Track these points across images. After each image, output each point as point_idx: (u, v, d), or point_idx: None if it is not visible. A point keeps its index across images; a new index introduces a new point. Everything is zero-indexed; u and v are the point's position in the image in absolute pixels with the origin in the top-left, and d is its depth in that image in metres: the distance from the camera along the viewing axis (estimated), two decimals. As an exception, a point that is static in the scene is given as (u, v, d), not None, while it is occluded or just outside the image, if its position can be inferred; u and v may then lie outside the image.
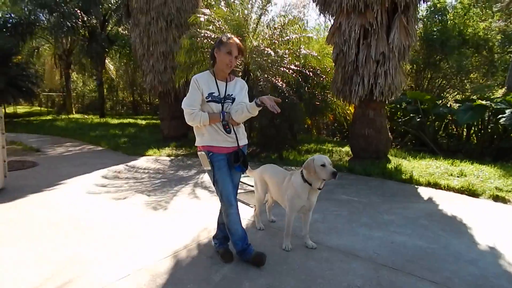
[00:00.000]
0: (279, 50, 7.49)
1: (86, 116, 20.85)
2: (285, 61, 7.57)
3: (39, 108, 26.91)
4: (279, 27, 8.07)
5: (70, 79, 22.50)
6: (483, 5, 16.43)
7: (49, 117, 19.69)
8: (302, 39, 7.99)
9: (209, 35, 7.49)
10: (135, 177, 6.04)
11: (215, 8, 8.10)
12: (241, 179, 3.10)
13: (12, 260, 2.91)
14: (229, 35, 2.75)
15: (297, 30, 8.17)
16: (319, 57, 8.38)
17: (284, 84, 7.33)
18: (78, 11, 17.20)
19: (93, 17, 18.60)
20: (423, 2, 6.74)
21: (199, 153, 2.79)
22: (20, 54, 18.60)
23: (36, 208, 4.30)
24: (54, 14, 17.14)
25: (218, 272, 2.72)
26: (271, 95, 2.73)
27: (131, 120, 18.11)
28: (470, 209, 4.40)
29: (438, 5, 14.52)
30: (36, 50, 21.59)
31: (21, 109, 24.95)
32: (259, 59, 7.35)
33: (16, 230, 3.57)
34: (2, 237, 3.38)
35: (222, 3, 8.50)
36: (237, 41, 2.70)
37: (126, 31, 19.92)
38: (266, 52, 7.37)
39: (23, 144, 9.35)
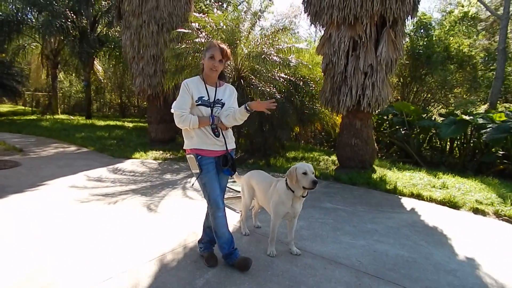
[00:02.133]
0: (271, 58, 7.56)
1: (72, 117, 20.52)
2: (276, 70, 7.65)
3: (23, 107, 26.35)
4: (271, 35, 8.17)
5: (57, 79, 22.13)
6: (468, 23, 16.97)
7: (33, 117, 19.30)
8: (293, 49, 8.10)
9: (198, 36, 7.53)
10: (121, 180, 5.97)
11: (206, 15, 8.12)
12: (228, 184, 3.11)
13: (-10, 261, 2.85)
14: (214, 40, 2.80)
15: (288, 39, 8.30)
16: (310, 66, 8.49)
17: (276, 91, 7.40)
18: (68, 11, 17.01)
19: (84, 17, 18.41)
20: (411, 18, 6.93)
21: (187, 156, 2.81)
22: (5, 52, 18.24)
23: (17, 209, 4.21)
24: (42, 13, 16.91)
25: (202, 277, 2.71)
26: (262, 101, 2.76)
27: (118, 123, 17.90)
28: (451, 220, 4.50)
29: (424, 20, 14.92)
30: (22, 49, 21.20)
31: (4, 108, 24.40)
32: (252, 64, 7.44)
33: (-4, 230, 3.50)
34: (-20, 237, 3.30)
35: (215, 10, 8.52)
36: (221, 45, 2.74)
37: (116, 33, 19.77)
38: (258, 57, 7.44)
39: (6, 143, 9.14)
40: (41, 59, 21.37)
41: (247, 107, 2.62)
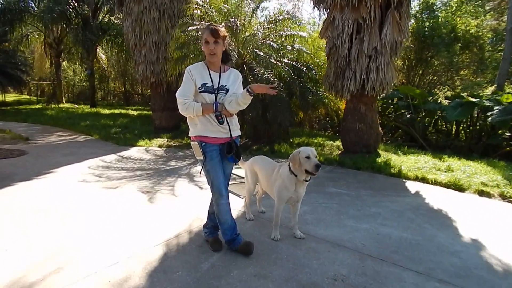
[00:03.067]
0: (273, 44, 7.47)
1: (76, 105, 20.59)
2: (280, 53, 7.56)
3: (28, 96, 26.48)
4: (273, 20, 8.06)
5: (61, 68, 22.13)
6: (476, 3, 16.56)
7: (38, 106, 19.41)
8: (296, 34, 7.98)
9: (201, 26, 7.45)
10: (126, 167, 6.02)
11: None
12: (232, 171, 3.12)
13: (0, 248, 2.90)
14: (211, 23, 2.72)
15: (291, 25, 8.18)
16: (310, 54, 8.39)
17: (275, 78, 7.34)
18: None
19: (85, 5, 18.27)
20: (416, -2, 6.79)
21: (192, 143, 2.81)
22: (9, 41, 18.22)
23: (25, 196, 4.28)
24: (44, 0, 16.78)
25: (207, 261, 2.76)
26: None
27: (123, 111, 17.95)
28: (456, 203, 4.50)
29: (430, 1, 14.58)
30: (25, 38, 21.16)
31: (9, 97, 24.52)
32: (254, 49, 7.37)
33: (4, 218, 3.56)
34: (-10, 224, 3.37)
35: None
36: (212, 26, 2.65)
37: (118, 20, 19.64)
38: (260, 42, 7.37)
39: (12, 132, 9.23)
40: (44, 47, 21.33)
41: (249, 90, 2.58)
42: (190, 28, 7.52)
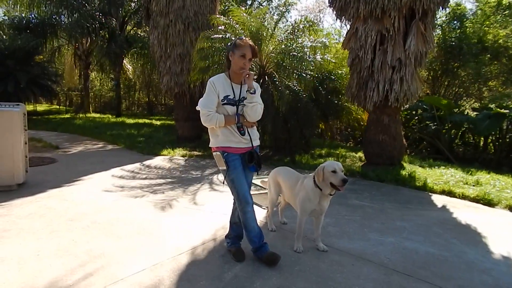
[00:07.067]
0: (295, 54, 7.52)
1: (103, 115, 21.25)
2: (303, 65, 7.58)
3: (57, 106, 27.54)
4: (296, 30, 8.13)
5: (89, 79, 22.99)
6: (504, 13, 16.10)
7: (67, 116, 20.15)
8: (319, 45, 8.00)
9: (225, 36, 7.61)
10: (151, 175, 6.15)
11: (229, 15, 8.19)
12: (253, 181, 3.15)
13: (33, 253, 3.02)
14: (243, 37, 2.82)
15: (313, 35, 8.22)
16: (334, 61, 8.36)
17: (302, 88, 7.37)
18: (98, 12, 17.63)
19: (113, 18, 19.00)
20: (442, 9, 6.69)
21: (214, 153, 2.86)
22: (42, 53, 19.10)
23: (55, 203, 4.44)
24: (75, 15, 17.57)
25: (230, 271, 2.77)
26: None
27: (146, 120, 18.38)
28: (485, 218, 4.34)
29: (458, 11, 14.31)
30: (57, 50, 22.14)
31: (41, 107, 25.57)
32: (278, 60, 7.45)
33: (36, 224, 3.70)
34: (23, 230, 3.51)
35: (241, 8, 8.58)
36: (251, 43, 2.77)
37: (144, 33, 20.27)
38: (285, 53, 7.45)
39: (43, 141, 9.62)
40: (74, 60, 22.24)
41: (248, 90, 2.73)
42: (214, 36, 7.68)
